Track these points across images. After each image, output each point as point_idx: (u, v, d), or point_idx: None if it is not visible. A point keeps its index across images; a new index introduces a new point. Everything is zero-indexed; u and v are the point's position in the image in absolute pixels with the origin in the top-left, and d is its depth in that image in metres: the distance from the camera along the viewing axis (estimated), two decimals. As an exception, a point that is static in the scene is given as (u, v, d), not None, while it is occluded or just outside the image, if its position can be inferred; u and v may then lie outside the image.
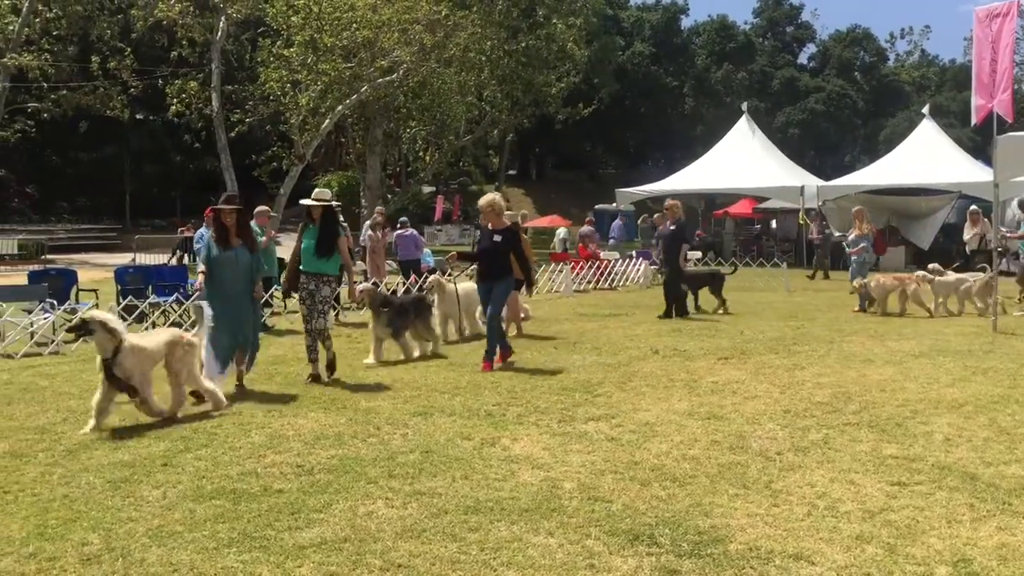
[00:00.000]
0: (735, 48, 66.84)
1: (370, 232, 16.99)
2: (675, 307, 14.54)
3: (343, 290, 12.85)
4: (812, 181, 29.27)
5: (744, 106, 33.33)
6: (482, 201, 10.37)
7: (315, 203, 9.25)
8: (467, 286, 12.34)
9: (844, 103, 66.18)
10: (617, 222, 29.09)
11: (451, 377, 9.31)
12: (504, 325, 10.83)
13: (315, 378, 9.01)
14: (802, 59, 77.53)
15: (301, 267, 9.08)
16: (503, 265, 10.01)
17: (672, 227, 14.81)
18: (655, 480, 5.65)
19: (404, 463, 6.03)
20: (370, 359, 10.32)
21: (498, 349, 9.95)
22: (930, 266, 15.47)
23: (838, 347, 11.09)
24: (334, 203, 9.59)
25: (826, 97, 65.82)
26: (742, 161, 30.18)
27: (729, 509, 5.09)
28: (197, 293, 9.25)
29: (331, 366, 9.24)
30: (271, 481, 5.64)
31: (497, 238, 9.95)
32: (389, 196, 35.29)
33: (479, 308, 11.66)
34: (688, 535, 4.69)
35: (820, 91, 66.59)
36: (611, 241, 27.94)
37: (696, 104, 64.73)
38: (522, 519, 4.96)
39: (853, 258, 15.96)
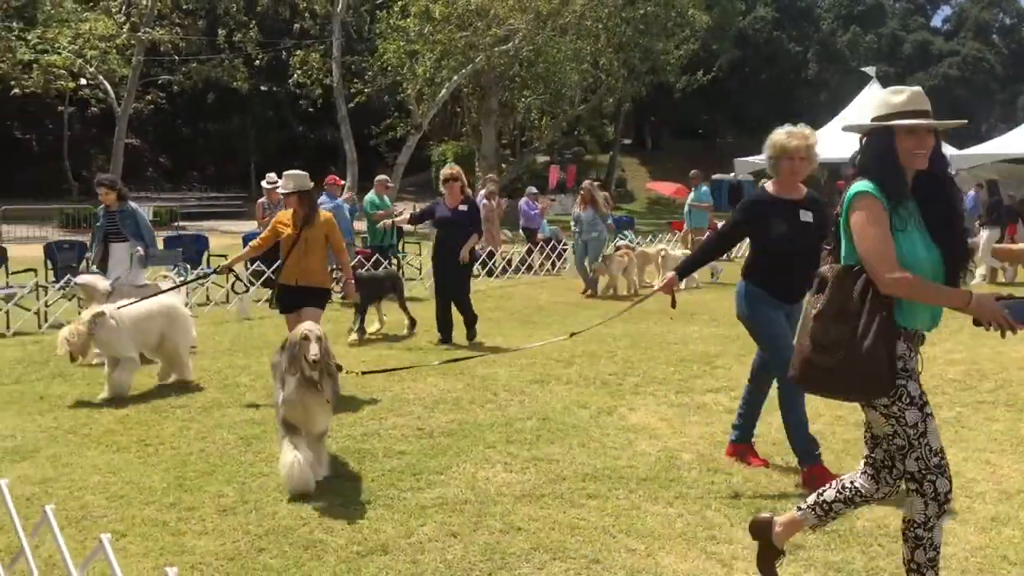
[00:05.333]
0: (863, 11, 63.92)
1: (485, 201, 17.09)
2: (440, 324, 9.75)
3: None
4: (945, 150, 27.82)
5: (872, 71, 31.90)
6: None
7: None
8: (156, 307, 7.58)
9: (980, 68, 62.55)
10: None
11: (567, 346, 9.31)
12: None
13: None
14: (936, 22, 73.73)
15: None
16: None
17: (463, 208, 9.66)
18: (776, 454, 5.54)
19: (522, 429, 6.08)
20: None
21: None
22: (658, 247, 15.94)
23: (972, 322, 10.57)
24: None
25: (961, 61, 62.37)
26: (869, 129, 28.96)
27: (855, 486, 4.95)
28: None
29: None
30: (393, 443, 5.78)
31: (807, 216, 5.10)
32: (504, 165, 35.41)
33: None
34: (812, 510, 4.58)
35: (955, 55, 63.15)
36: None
37: (820, 70, 62.34)
38: (640, 488, 4.95)
39: (592, 236, 13.99)
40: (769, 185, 5.26)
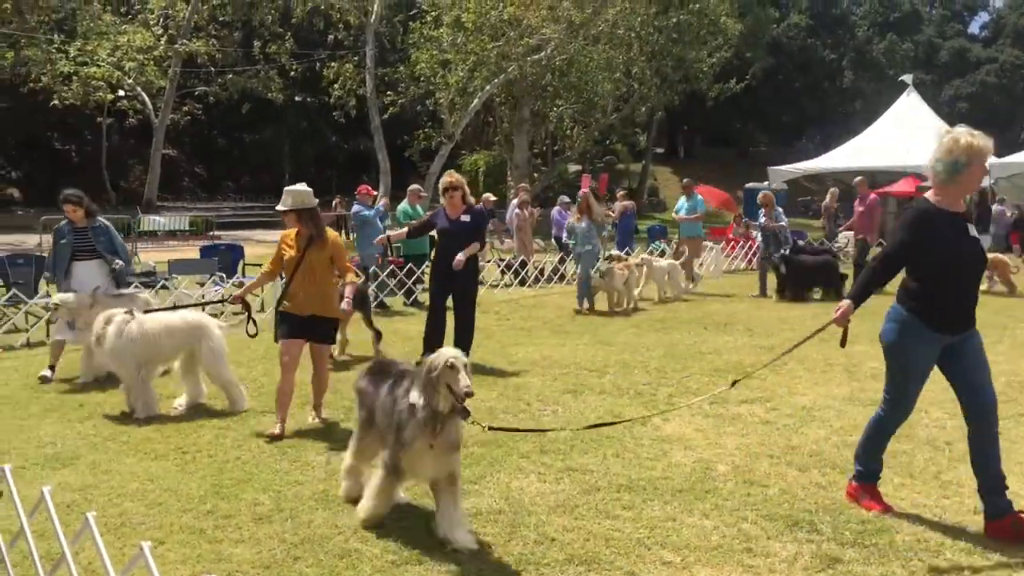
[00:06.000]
0: (899, 18, 63.41)
1: (517, 211, 17.13)
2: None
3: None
4: (983, 157, 27.52)
5: (909, 78, 31.60)
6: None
7: None
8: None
9: (1019, 75, 61.73)
10: None
11: (599, 356, 9.30)
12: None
13: None
14: (973, 28, 72.88)
15: None
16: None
17: (466, 218, 8.63)
18: (814, 466, 5.48)
19: (555, 439, 6.06)
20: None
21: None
22: (643, 256, 15.06)
23: (1011, 333, 10.42)
24: None
25: (999, 68, 61.57)
26: (905, 137, 28.68)
27: (895, 499, 4.88)
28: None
29: None
30: (427, 452, 5.78)
31: (974, 231, 4.63)
32: (536, 174, 35.47)
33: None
34: (851, 523, 4.53)
35: (993, 62, 62.37)
36: None
37: (855, 78, 61.82)
38: (676, 499, 4.91)
39: (586, 248, 12.99)
40: (930, 195, 4.51)
